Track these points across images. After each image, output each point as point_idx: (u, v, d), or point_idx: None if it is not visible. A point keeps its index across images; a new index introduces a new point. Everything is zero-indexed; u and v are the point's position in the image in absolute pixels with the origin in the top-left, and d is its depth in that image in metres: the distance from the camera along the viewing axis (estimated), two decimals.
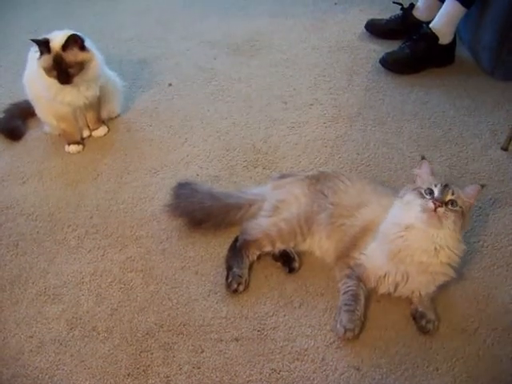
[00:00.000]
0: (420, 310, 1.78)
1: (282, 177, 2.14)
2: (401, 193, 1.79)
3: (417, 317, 1.78)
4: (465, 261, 1.88)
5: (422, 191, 1.69)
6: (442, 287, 1.83)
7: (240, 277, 1.87)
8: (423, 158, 1.82)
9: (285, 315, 1.81)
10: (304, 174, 2.12)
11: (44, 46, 2.15)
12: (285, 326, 1.78)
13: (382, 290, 1.81)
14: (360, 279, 1.80)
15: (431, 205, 1.65)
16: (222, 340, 1.75)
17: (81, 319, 1.82)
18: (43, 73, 2.19)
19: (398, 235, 1.72)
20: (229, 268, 1.90)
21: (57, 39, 2.17)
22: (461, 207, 1.68)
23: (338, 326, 1.71)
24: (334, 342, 1.74)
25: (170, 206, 2.08)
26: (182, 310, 1.83)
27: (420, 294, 1.79)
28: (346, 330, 1.69)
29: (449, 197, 1.67)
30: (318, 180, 2.03)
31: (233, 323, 1.79)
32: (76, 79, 2.21)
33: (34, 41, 2.16)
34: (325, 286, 1.88)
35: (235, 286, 1.85)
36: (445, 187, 1.68)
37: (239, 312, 1.82)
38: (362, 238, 1.85)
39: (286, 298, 1.86)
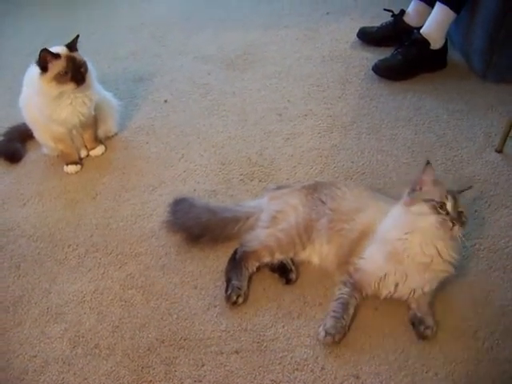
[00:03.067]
0: (418, 315, 1.80)
1: (278, 188, 2.17)
2: (404, 198, 1.80)
3: (415, 323, 1.80)
4: (462, 265, 1.89)
5: (436, 205, 1.70)
6: (440, 292, 1.84)
7: (239, 289, 1.89)
8: (428, 162, 1.81)
9: (284, 326, 1.83)
10: (300, 184, 2.15)
11: (50, 55, 2.17)
12: (284, 337, 1.80)
13: (384, 291, 1.82)
14: (355, 287, 1.82)
15: (450, 224, 1.68)
16: (222, 353, 1.77)
17: (83, 337, 1.84)
18: (50, 85, 2.21)
19: (398, 238, 1.75)
20: (228, 280, 1.92)
21: (59, 47, 2.23)
22: (466, 217, 1.73)
23: (321, 328, 1.74)
24: (332, 351, 1.75)
25: (168, 222, 2.12)
26: (182, 324, 1.86)
27: (422, 291, 1.80)
28: (326, 334, 1.72)
29: (460, 208, 1.72)
30: (314, 189, 2.05)
31: (232, 336, 1.81)
32: (86, 82, 2.27)
33: (37, 61, 2.19)
34: (322, 295, 1.90)
35: (234, 298, 1.87)
36: (454, 199, 1.72)
37: (239, 324, 1.84)
38: (360, 242, 1.87)
39: (284, 309, 1.87)
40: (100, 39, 3.40)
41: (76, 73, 2.22)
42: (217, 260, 2.03)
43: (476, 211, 2.19)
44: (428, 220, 1.71)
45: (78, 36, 2.27)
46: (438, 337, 1.78)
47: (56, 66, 2.19)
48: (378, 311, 1.86)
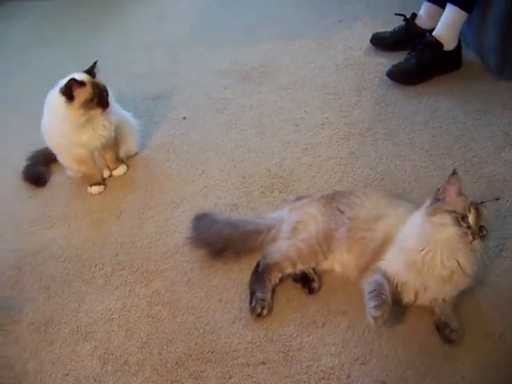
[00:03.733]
0: (443, 319, 1.80)
1: (298, 199, 2.19)
2: (425, 205, 1.80)
3: (440, 327, 1.80)
4: (485, 266, 1.88)
5: (458, 217, 1.69)
6: (464, 294, 1.84)
7: (263, 301, 1.91)
8: (455, 172, 1.80)
9: (309, 335, 1.85)
10: (319, 194, 2.17)
11: (75, 84, 2.23)
12: (309, 346, 1.82)
13: (405, 298, 1.83)
14: (386, 276, 1.80)
15: (470, 238, 1.67)
16: (249, 364, 1.79)
17: (112, 354, 1.88)
18: (75, 112, 2.26)
19: (418, 248, 1.75)
20: (252, 293, 1.95)
21: (81, 74, 2.28)
22: (487, 230, 1.71)
23: (367, 315, 1.71)
24: (358, 358, 1.77)
25: (191, 238, 2.16)
26: (208, 338, 1.89)
27: (442, 300, 1.81)
28: (375, 320, 1.69)
29: (481, 222, 1.70)
30: (333, 198, 2.07)
31: (258, 347, 1.83)
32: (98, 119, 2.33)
33: (61, 91, 2.24)
34: (346, 303, 1.92)
35: (259, 310, 1.90)
36: (477, 212, 1.70)
37: (264, 336, 1.86)
38: (382, 250, 1.87)
39: (308, 318, 1.90)
40: (116, 59, 3.46)
41: (101, 98, 2.28)
42: (240, 273, 2.06)
43: (498, 210, 2.18)
44: (449, 231, 1.69)
45: (96, 62, 2.32)
46: (464, 340, 1.78)
47: (82, 94, 2.24)
48: (403, 316, 1.86)
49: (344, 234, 1.95)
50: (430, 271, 1.74)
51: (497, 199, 1.87)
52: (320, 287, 1.98)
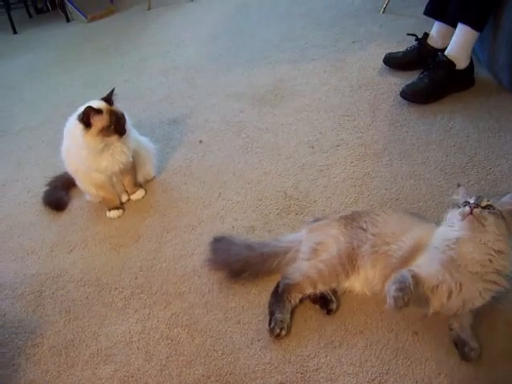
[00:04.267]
0: (462, 337, 1.80)
1: (316, 221, 2.20)
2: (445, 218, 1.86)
3: (459, 344, 1.80)
4: None
5: (460, 204, 1.82)
6: (483, 309, 1.84)
7: (282, 322, 1.92)
8: (459, 185, 1.97)
9: (326, 356, 1.85)
10: (337, 215, 2.17)
11: (92, 111, 2.28)
12: (327, 367, 1.83)
13: (435, 302, 1.80)
14: (413, 277, 1.77)
15: (467, 209, 1.76)
16: None
17: (132, 377, 1.90)
18: (92, 140, 2.32)
19: (449, 248, 1.77)
20: (271, 313, 1.96)
21: (98, 102, 2.34)
22: (499, 211, 1.76)
23: (388, 297, 1.72)
24: (375, 378, 1.77)
25: (209, 260, 2.19)
26: (227, 359, 1.90)
27: (472, 305, 1.79)
28: (395, 300, 1.68)
29: (484, 203, 1.78)
30: (353, 218, 2.08)
31: (276, 368, 1.84)
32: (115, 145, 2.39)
33: (79, 118, 2.30)
34: (363, 323, 1.92)
35: (278, 330, 1.91)
36: (479, 196, 1.80)
37: (282, 357, 1.87)
38: (412, 258, 1.87)
39: (326, 338, 1.90)
40: (133, 85, 3.54)
41: (118, 125, 2.34)
42: (258, 295, 2.08)
43: None
44: (454, 217, 1.80)
45: (113, 89, 2.38)
46: (482, 358, 1.77)
47: (100, 121, 2.30)
48: (418, 335, 1.86)
49: (368, 249, 1.95)
50: (463, 268, 1.75)
51: None
52: (338, 308, 1.98)
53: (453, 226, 1.81)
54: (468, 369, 1.76)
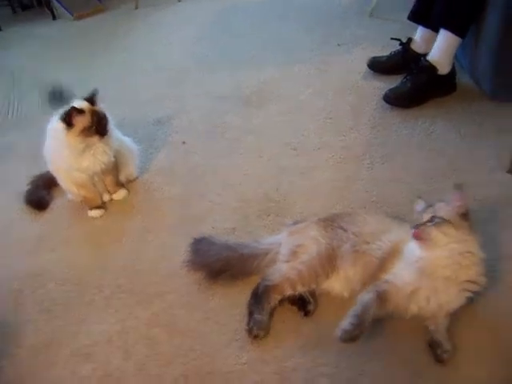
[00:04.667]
0: (437, 339, 1.83)
1: (296, 223, 2.22)
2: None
3: (433, 346, 1.83)
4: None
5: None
6: (457, 314, 1.87)
7: (261, 323, 1.94)
8: (419, 197, 1.98)
9: (303, 357, 1.87)
10: (316, 217, 2.19)
11: (74, 111, 2.30)
12: (303, 367, 1.84)
13: (413, 308, 1.84)
14: (380, 296, 1.82)
15: (411, 233, 1.79)
16: None
17: (111, 376, 1.91)
18: (74, 140, 2.33)
19: (419, 258, 1.81)
20: (250, 314, 1.97)
21: (80, 102, 2.35)
22: (444, 218, 1.77)
23: (338, 327, 1.76)
24: (351, 379, 1.79)
25: (189, 261, 2.20)
26: (205, 359, 1.92)
27: (448, 308, 1.83)
28: (342, 332, 1.73)
29: (426, 217, 1.79)
30: (333, 220, 2.11)
31: (253, 368, 1.86)
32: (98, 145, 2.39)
33: (61, 118, 2.32)
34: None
35: (256, 331, 1.93)
36: (426, 207, 1.84)
37: (259, 357, 1.89)
38: (390, 259, 1.90)
39: (303, 339, 1.92)
40: (119, 85, 3.55)
41: (100, 126, 2.35)
42: (237, 295, 2.09)
43: (489, 233, 2.21)
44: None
45: (96, 89, 2.39)
46: (457, 360, 1.80)
47: (81, 122, 2.31)
48: (393, 337, 1.89)
49: (349, 249, 1.98)
50: (435, 275, 1.79)
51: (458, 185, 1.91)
52: (315, 309, 2.01)
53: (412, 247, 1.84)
54: (441, 370, 1.79)
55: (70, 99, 2.43)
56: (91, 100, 2.36)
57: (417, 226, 1.79)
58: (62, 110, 2.35)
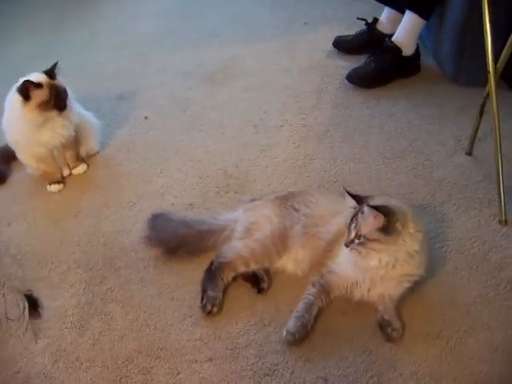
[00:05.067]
0: (386, 318, 1.87)
1: (252, 201, 2.24)
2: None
3: (383, 325, 1.86)
4: (428, 268, 1.96)
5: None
6: (408, 294, 1.91)
7: (214, 299, 1.96)
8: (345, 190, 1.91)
9: (256, 333, 1.90)
10: (273, 195, 2.22)
11: (31, 85, 2.26)
12: (256, 344, 1.87)
13: (357, 296, 1.90)
14: (324, 288, 1.89)
15: (344, 246, 1.80)
16: (196, 361, 1.84)
17: (65, 351, 1.91)
18: (32, 112, 2.29)
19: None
20: (204, 291, 1.99)
21: (39, 75, 2.30)
22: (367, 238, 1.75)
23: (284, 328, 1.83)
24: (302, 356, 1.82)
25: (146, 237, 2.19)
26: (159, 335, 1.93)
27: (389, 297, 1.88)
28: (287, 333, 1.82)
29: (353, 234, 1.78)
30: (287, 199, 2.12)
31: (207, 344, 1.88)
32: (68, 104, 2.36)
33: (18, 90, 2.28)
34: (294, 303, 1.93)
35: (209, 307, 1.94)
36: (349, 226, 1.80)
37: (212, 333, 1.91)
38: (337, 244, 1.93)
39: (256, 316, 1.94)
40: (83, 59, 3.50)
41: (58, 100, 2.31)
42: (193, 272, 2.10)
43: (444, 214, 2.26)
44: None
45: (56, 63, 2.35)
46: (404, 338, 1.85)
47: (39, 95, 2.27)
48: (347, 316, 1.92)
49: (300, 230, 2.01)
50: (371, 271, 1.82)
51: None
52: (269, 287, 2.03)
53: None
54: (391, 348, 1.83)
55: None
56: (50, 73, 2.32)
57: (347, 244, 1.79)
58: (19, 82, 2.31)
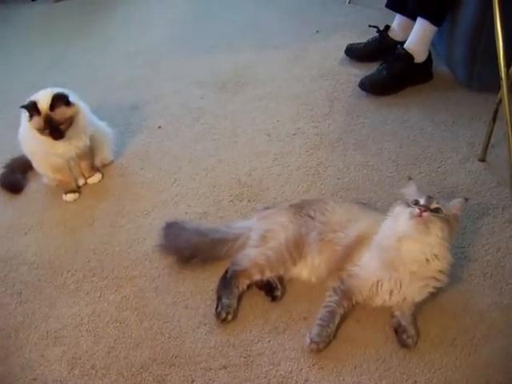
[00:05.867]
0: (403, 324, 1.86)
1: (266, 209, 2.25)
2: (391, 210, 1.90)
3: (399, 331, 1.86)
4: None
5: (409, 202, 1.84)
6: (431, 297, 1.91)
7: (229, 307, 1.97)
8: (410, 178, 2.02)
9: (269, 341, 1.90)
10: (287, 203, 2.22)
11: (33, 109, 2.29)
12: (270, 351, 1.87)
13: (378, 300, 1.89)
14: (346, 294, 1.88)
15: (417, 210, 1.78)
16: (211, 368, 1.85)
17: (80, 359, 1.93)
18: (35, 131, 2.34)
19: (391, 246, 1.83)
20: (219, 298, 2.00)
21: (44, 100, 2.30)
22: (446, 215, 1.80)
23: (307, 336, 1.83)
24: (316, 363, 1.82)
25: (160, 245, 2.22)
26: (173, 343, 1.94)
27: (412, 301, 1.88)
28: (311, 342, 1.81)
29: (434, 205, 1.81)
30: (302, 207, 2.13)
31: (221, 352, 1.89)
32: (68, 133, 2.36)
33: (23, 107, 2.32)
34: (307, 310, 1.97)
35: (224, 315, 1.95)
36: (429, 197, 1.83)
37: (227, 341, 1.92)
38: (356, 248, 1.94)
39: (270, 324, 1.95)
40: (97, 68, 3.54)
41: (54, 131, 2.32)
42: (207, 280, 2.11)
43: (457, 221, 2.25)
44: (402, 215, 1.82)
45: (55, 96, 2.31)
46: (418, 345, 1.84)
47: (36, 121, 2.31)
48: (361, 323, 1.92)
49: (316, 237, 2.01)
50: (404, 267, 1.82)
51: (466, 199, 1.94)
52: (283, 295, 2.03)
53: (398, 221, 1.85)
54: (405, 356, 1.83)
55: None
56: (53, 102, 2.31)
57: (423, 208, 1.79)
58: (37, 94, 2.36)
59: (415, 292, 1.87)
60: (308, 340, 1.82)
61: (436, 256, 1.82)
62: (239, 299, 2.02)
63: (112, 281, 2.19)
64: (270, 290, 2.03)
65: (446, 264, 1.85)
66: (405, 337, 1.84)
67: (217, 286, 2.05)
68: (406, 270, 1.82)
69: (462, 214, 2.16)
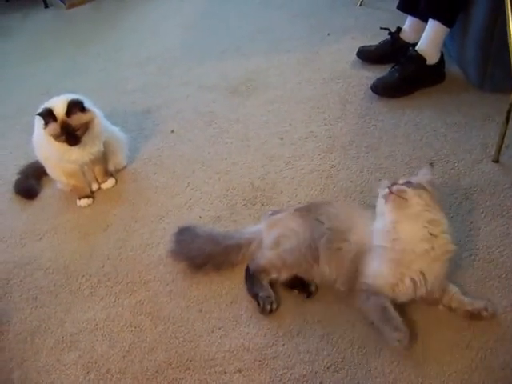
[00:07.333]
0: (469, 309, 1.88)
1: (274, 213, 2.23)
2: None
3: (474, 315, 1.87)
4: (457, 276, 1.98)
5: (387, 185, 1.90)
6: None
7: (268, 297, 1.98)
8: (431, 164, 2.16)
9: (284, 344, 1.90)
10: (293, 207, 2.22)
11: (49, 116, 2.31)
12: (284, 355, 1.88)
13: (402, 297, 1.87)
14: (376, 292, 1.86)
15: (387, 190, 1.85)
16: (225, 372, 1.85)
17: (96, 363, 1.95)
18: (50, 138, 2.36)
19: (391, 238, 1.84)
20: (255, 296, 2.01)
21: (59, 107, 2.32)
22: (418, 184, 1.85)
23: (393, 340, 1.77)
24: (331, 366, 1.82)
25: (172, 251, 2.23)
26: (188, 346, 1.95)
27: (439, 281, 1.87)
28: (400, 343, 1.76)
29: (401, 181, 1.87)
30: (309, 210, 2.13)
31: (235, 355, 1.90)
32: (83, 139, 2.39)
33: (39, 115, 2.33)
34: (322, 313, 1.97)
35: (268, 307, 1.96)
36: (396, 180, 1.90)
37: (241, 344, 1.92)
38: (361, 261, 1.93)
39: (284, 327, 1.95)
40: (109, 74, 3.57)
41: (70, 137, 2.34)
42: (221, 284, 2.12)
43: (472, 222, 2.25)
44: (380, 204, 1.89)
45: (70, 102, 2.34)
46: (432, 348, 1.83)
47: (52, 128, 2.33)
48: (374, 326, 1.91)
49: (324, 245, 2.00)
50: (414, 255, 1.81)
51: (431, 164, 2.10)
52: (317, 291, 2.03)
53: (382, 214, 1.87)
54: (419, 358, 1.82)
55: None
56: (69, 108, 2.33)
57: (389, 186, 1.82)
58: (51, 101, 2.38)
59: (438, 272, 1.85)
60: (396, 343, 1.76)
61: (431, 221, 1.82)
62: (273, 288, 2.03)
63: (126, 285, 2.20)
64: (303, 286, 2.03)
65: (446, 226, 1.85)
66: (484, 314, 1.86)
67: (246, 288, 2.06)
68: (417, 253, 1.80)
69: (470, 215, 2.19)
